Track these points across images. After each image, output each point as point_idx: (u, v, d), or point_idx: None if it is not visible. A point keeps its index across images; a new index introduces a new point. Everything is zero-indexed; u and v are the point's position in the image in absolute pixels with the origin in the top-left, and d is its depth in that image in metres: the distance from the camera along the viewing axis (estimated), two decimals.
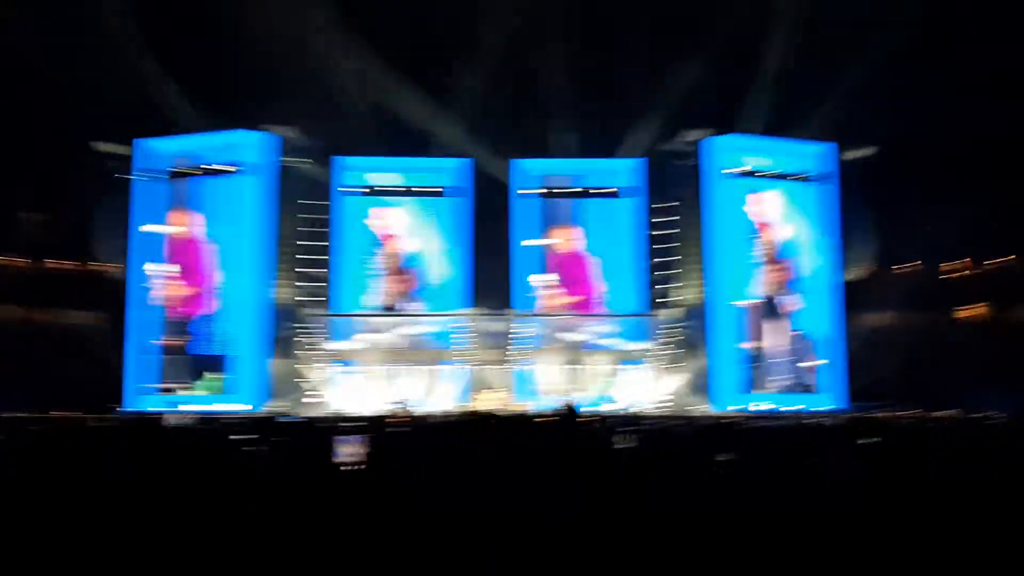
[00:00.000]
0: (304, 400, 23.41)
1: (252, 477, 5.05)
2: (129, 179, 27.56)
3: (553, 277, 28.40)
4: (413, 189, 28.41)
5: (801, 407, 25.09)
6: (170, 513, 4.09)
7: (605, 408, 24.88)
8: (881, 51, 24.21)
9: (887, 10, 24.71)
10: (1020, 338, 27.45)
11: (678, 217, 28.13)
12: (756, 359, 26.96)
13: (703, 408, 24.97)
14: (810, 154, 28.26)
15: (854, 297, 28.24)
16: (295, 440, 7.46)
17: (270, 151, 27.36)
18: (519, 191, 28.45)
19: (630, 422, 17.41)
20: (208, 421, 19.49)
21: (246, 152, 26.94)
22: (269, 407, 24.45)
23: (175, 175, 27.37)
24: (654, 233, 28.99)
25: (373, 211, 28.38)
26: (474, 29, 26.25)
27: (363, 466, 5.80)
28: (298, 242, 28.01)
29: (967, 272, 32.55)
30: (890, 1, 25.21)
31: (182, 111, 26.93)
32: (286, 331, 27.66)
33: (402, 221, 28.38)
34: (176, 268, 26.98)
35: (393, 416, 18.94)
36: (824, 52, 24.97)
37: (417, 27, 26.93)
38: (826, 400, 26.44)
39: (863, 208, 28.34)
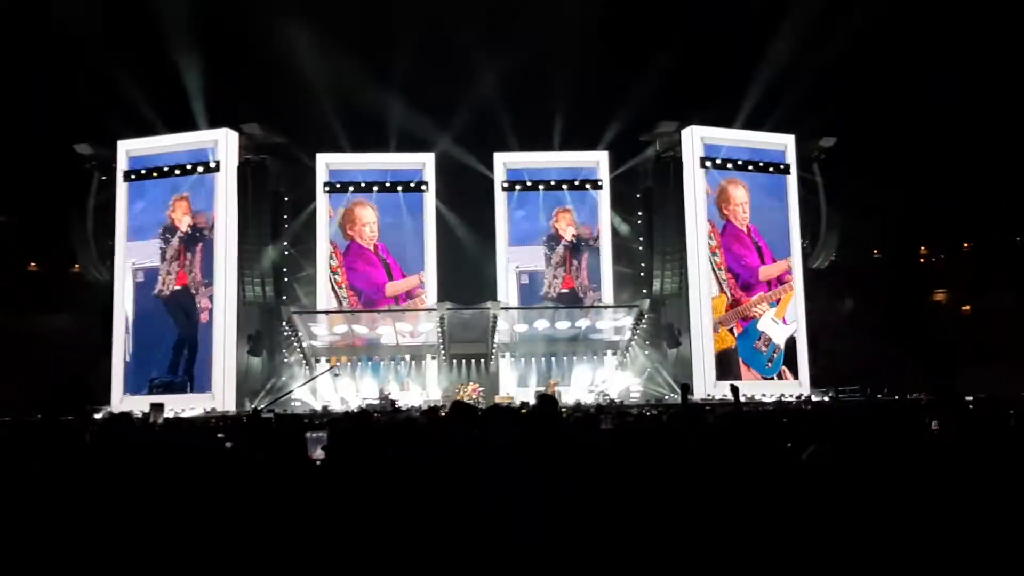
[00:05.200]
0: (286, 397, 23.43)
1: (235, 475, 5.04)
2: (108, 180, 27.46)
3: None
4: (393, 184, 28.39)
5: (778, 394, 25.41)
6: (149, 511, 4.09)
7: (587, 398, 25.15)
8: (844, 41, 24.51)
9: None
10: (981, 323, 28.10)
11: (654, 208, 28.30)
12: (733, 347, 27.20)
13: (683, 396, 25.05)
14: (780, 145, 28.51)
15: (824, 285, 28.62)
16: (278, 438, 7.48)
17: (246, 149, 27.33)
18: (500, 183, 28.52)
19: (612, 411, 17.59)
20: (190, 420, 19.57)
21: (223, 150, 26.85)
22: (251, 405, 24.50)
23: (154, 175, 27.25)
24: (631, 223, 29.28)
25: (352, 206, 28.33)
26: (447, 22, 26.34)
27: (343, 462, 5.80)
28: (277, 240, 28.01)
29: (932, 259, 33.22)
30: None
31: (158, 111, 26.88)
32: (266, 328, 27.66)
33: (382, 216, 28.37)
34: (162, 266, 26.93)
35: (376, 411, 19.07)
36: (793, 44, 25.29)
37: (388, 19, 26.91)
38: (800, 387, 26.74)
39: (832, 198, 28.73)
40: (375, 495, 4.10)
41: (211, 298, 26.47)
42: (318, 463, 5.41)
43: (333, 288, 27.74)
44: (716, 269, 27.23)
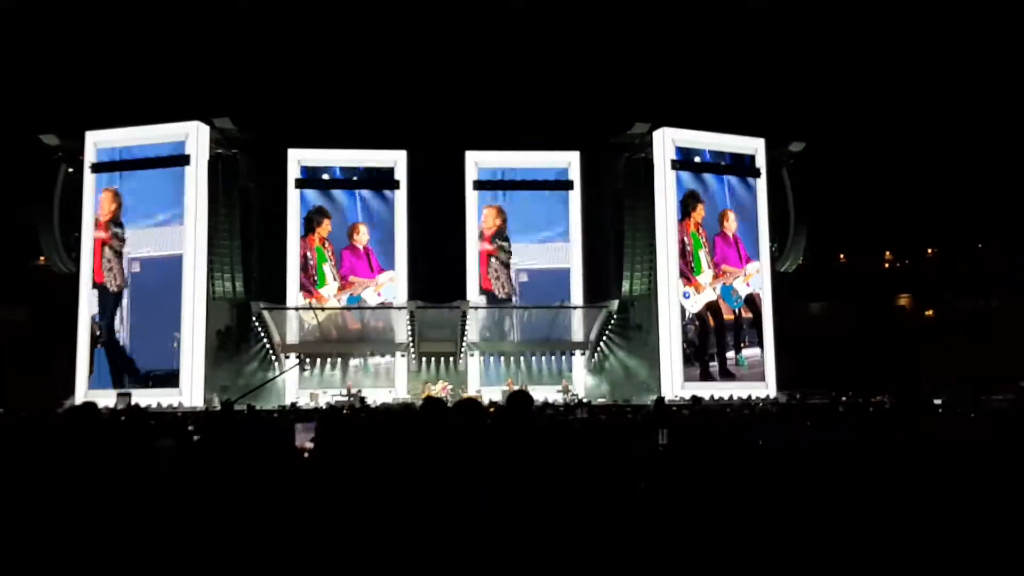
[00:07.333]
0: (255, 393, 23.25)
1: (204, 470, 5.03)
2: (75, 172, 27.07)
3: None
4: (363, 180, 28.29)
5: (744, 395, 25.62)
6: (120, 506, 4.07)
7: (555, 398, 25.20)
8: (816, 46, 24.84)
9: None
10: (942, 328, 28.57)
11: (623, 209, 28.41)
12: (701, 348, 27.41)
13: (651, 396, 25.24)
14: (750, 148, 28.76)
15: (790, 287, 28.94)
16: (248, 432, 7.48)
17: (217, 143, 27.06)
18: (470, 182, 28.53)
19: (580, 411, 17.66)
20: (160, 414, 19.39)
21: (193, 143, 26.54)
22: (219, 400, 24.23)
23: (122, 166, 26.91)
24: (599, 225, 29.40)
25: (321, 202, 28.19)
26: (416, 19, 26.33)
27: (317, 457, 5.82)
28: (247, 235, 27.77)
29: (897, 264, 33.72)
30: None
31: (127, 101, 26.54)
32: (235, 324, 27.43)
33: (352, 213, 28.26)
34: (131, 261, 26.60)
35: (346, 407, 18.99)
36: (766, 46, 25.57)
37: (359, 15, 26.84)
38: (767, 389, 27.03)
39: (799, 200, 29.06)
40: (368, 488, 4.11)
41: (179, 292, 26.18)
42: (306, 454, 5.44)
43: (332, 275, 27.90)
44: (707, 255, 28.10)
